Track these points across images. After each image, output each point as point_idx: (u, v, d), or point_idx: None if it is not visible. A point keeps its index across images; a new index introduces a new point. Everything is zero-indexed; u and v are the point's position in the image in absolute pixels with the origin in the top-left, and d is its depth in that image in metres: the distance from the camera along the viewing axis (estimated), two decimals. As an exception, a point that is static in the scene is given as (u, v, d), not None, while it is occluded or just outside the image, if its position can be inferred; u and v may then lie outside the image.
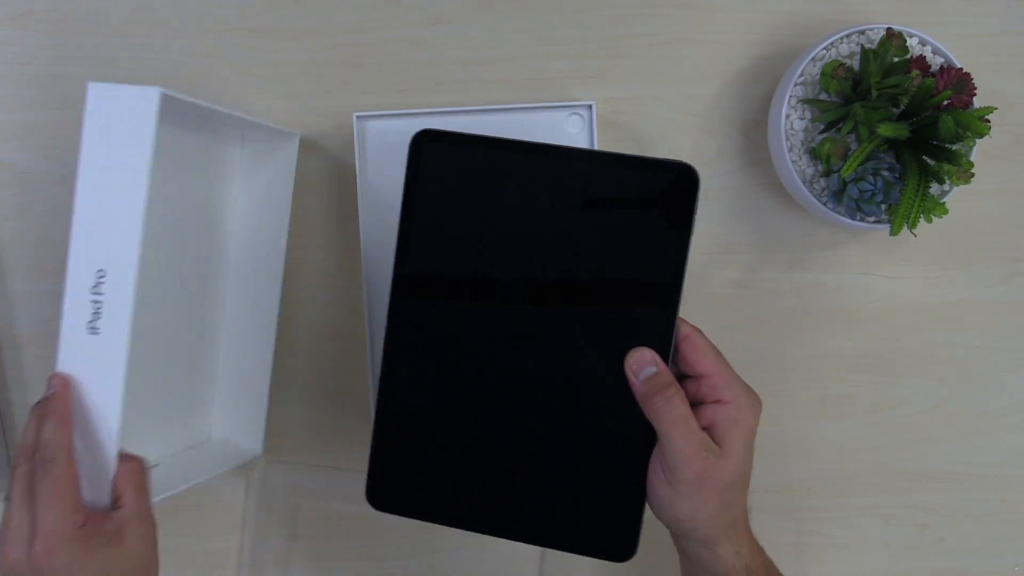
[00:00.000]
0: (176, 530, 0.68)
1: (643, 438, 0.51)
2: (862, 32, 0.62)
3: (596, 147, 0.64)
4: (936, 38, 0.62)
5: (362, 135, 0.65)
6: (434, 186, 0.53)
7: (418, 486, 0.53)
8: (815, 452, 0.69)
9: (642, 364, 0.50)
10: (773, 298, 0.69)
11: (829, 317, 0.69)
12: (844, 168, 0.59)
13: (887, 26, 0.61)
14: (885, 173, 0.60)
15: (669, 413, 0.49)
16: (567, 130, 0.65)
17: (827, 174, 0.63)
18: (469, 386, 0.53)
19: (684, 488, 0.49)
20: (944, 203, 0.60)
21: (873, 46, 0.62)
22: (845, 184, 0.60)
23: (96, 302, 0.48)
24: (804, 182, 0.63)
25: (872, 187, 0.60)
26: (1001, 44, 0.68)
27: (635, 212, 0.51)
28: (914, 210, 0.58)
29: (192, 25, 0.67)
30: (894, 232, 0.58)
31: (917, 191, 0.58)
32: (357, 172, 0.64)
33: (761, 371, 0.68)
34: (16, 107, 0.67)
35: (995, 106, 0.58)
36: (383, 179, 0.65)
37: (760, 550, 0.53)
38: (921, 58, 0.60)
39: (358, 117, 0.64)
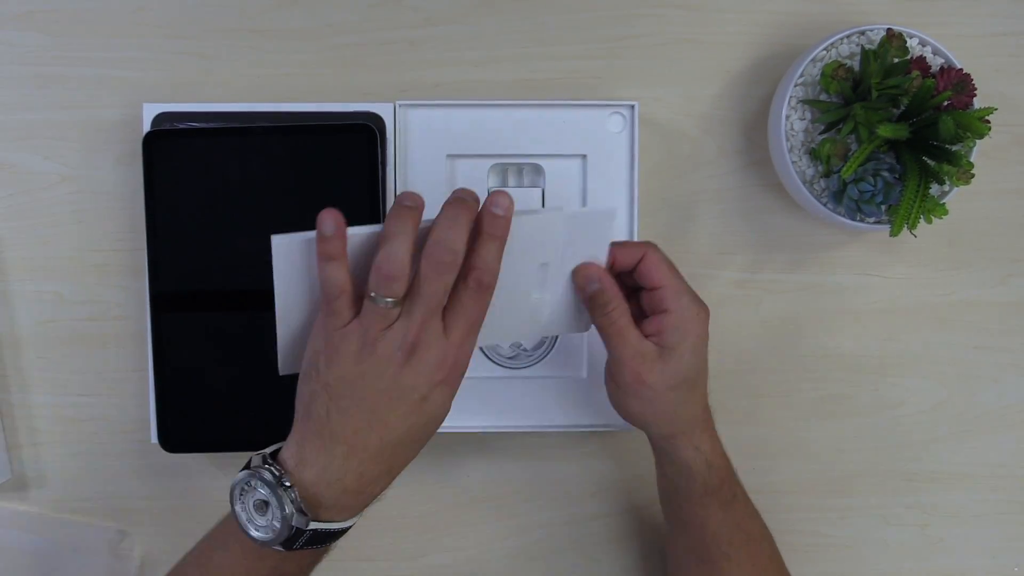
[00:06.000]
0: (176, 529, 0.68)
1: None
2: (862, 33, 0.62)
3: (636, 148, 0.64)
4: (936, 38, 0.62)
5: (404, 122, 0.65)
6: (170, 186, 0.63)
7: (199, 426, 0.64)
8: (815, 452, 0.69)
9: (587, 280, 0.54)
10: (773, 298, 0.68)
11: (829, 317, 0.69)
12: (844, 169, 0.59)
13: (887, 27, 0.61)
14: (885, 174, 0.60)
15: (608, 327, 0.54)
16: (609, 129, 0.65)
17: (827, 175, 0.63)
18: (228, 340, 0.63)
19: (627, 389, 0.55)
20: (944, 204, 0.60)
21: (873, 47, 0.62)
22: (845, 185, 0.60)
23: None
24: (804, 183, 0.63)
25: (872, 188, 0.60)
26: (1001, 44, 0.68)
27: (334, 172, 0.63)
28: (914, 211, 0.58)
29: (192, 25, 0.67)
30: (894, 233, 0.58)
31: (917, 192, 0.58)
32: (395, 162, 0.64)
33: (761, 371, 0.69)
34: (16, 107, 0.67)
35: (995, 106, 0.58)
36: (422, 166, 0.65)
37: (723, 452, 0.58)
38: (921, 59, 0.60)
39: (400, 105, 0.64)
